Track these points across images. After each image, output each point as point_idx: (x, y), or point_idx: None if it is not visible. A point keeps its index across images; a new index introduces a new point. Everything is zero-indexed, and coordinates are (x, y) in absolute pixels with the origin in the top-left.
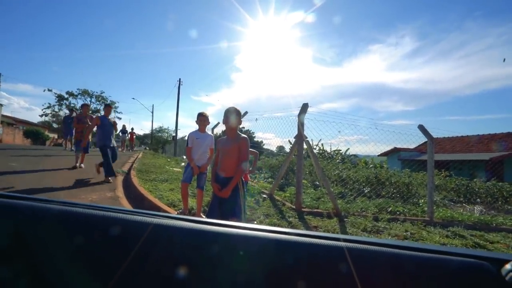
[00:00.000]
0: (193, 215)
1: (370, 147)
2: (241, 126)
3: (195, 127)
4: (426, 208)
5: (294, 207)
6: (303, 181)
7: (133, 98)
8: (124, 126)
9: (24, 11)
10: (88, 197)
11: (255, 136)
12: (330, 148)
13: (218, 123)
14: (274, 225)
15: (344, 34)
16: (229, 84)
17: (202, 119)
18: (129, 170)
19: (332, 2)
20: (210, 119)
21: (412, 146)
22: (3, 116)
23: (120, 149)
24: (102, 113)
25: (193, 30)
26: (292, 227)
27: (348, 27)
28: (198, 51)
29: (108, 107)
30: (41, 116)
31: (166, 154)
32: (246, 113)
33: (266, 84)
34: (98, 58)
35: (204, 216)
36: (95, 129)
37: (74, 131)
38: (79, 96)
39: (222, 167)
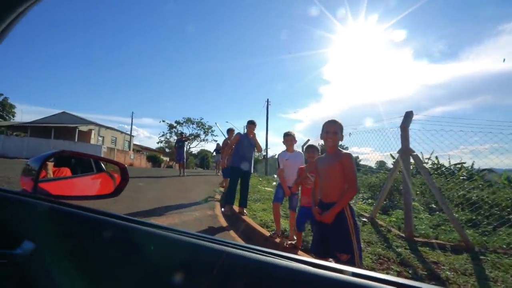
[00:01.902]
0: (286, 237)
1: None
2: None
3: (284, 146)
4: None
5: (403, 235)
6: (413, 203)
7: (227, 122)
8: (218, 145)
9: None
10: (193, 214)
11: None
12: (449, 162)
13: (308, 140)
14: (379, 255)
15: (457, 20)
16: (317, 98)
17: (288, 139)
18: (226, 189)
19: None
20: (300, 136)
21: None
22: (134, 144)
23: (217, 172)
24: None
25: (277, 43)
26: (403, 259)
27: (462, 9)
28: (283, 65)
29: (250, 124)
30: (158, 143)
31: (257, 173)
32: None
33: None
34: (196, 87)
35: (295, 238)
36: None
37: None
38: (184, 124)
39: (323, 190)
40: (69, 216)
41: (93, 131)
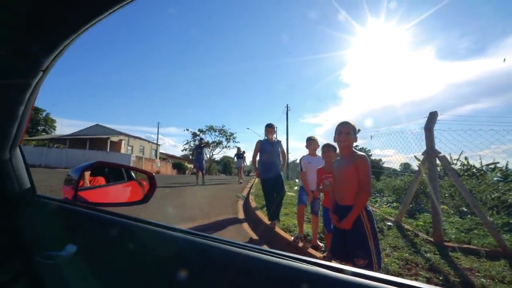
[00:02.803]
0: (309, 242)
1: None
2: (355, 144)
3: (305, 150)
4: None
5: (431, 239)
6: (442, 206)
7: (248, 128)
8: (238, 149)
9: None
10: (217, 219)
11: (371, 154)
12: (480, 162)
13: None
14: (406, 260)
15: (482, 14)
16: (336, 101)
17: (310, 143)
18: (248, 194)
19: None
20: (320, 140)
21: None
22: (160, 153)
23: (239, 179)
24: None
25: (294, 46)
26: (433, 265)
27: (485, 3)
28: (302, 69)
29: (268, 127)
30: (182, 151)
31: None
32: (358, 131)
33: (380, 96)
34: (217, 95)
35: (321, 244)
36: None
37: (203, 162)
38: (206, 132)
39: (339, 193)
40: (106, 222)
41: (123, 141)
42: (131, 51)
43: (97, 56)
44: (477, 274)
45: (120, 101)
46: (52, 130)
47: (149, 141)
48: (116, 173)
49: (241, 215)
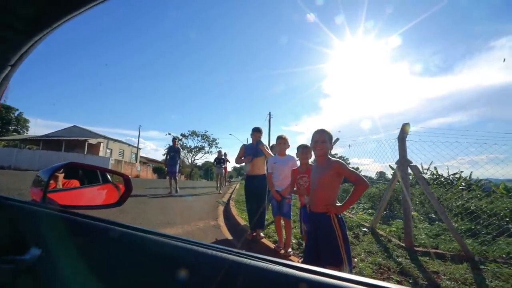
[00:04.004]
0: (291, 248)
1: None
2: (333, 153)
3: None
4: None
5: (403, 244)
6: (413, 213)
7: (230, 134)
8: (219, 153)
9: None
10: (197, 224)
11: (350, 163)
12: (448, 172)
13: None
14: (379, 265)
15: (451, 35)
16: (317, 111)
17: (280, 142)
18: (228, 200)
19: (429, 5)
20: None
21: None
22: (140, 157)
23: (219, 188)
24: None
25: (275, 56)
26: (403, 269)
27: (455, 26)
28: (283, 78)
29: (255, 132)
30: (164, 155)
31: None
32: (337, 140)
33: (359, 107)
34: (200, 100)
35: (289, 251)
36: None
37: (177, 167)
38: (189, 137)
39: (313, 200)
40: (74, 224)
41: (101, 144)
42: (113, 52)
43: (78, 56)
44: (443, 277)
45: (100, 103)
46: (25, 131)
47: (129, 145)
48: (91, 175)
49: (221, 221)
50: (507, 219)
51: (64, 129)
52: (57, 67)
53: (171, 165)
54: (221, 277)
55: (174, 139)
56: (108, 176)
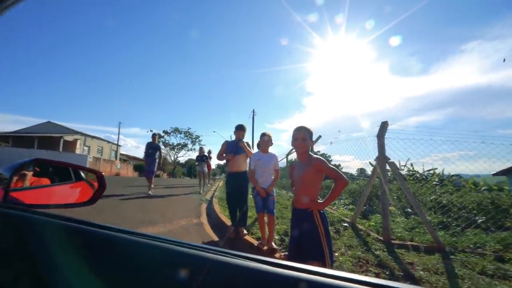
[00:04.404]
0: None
1: (480, 164)
2: (316, 150)
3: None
4: None
5: (381, 238)
6: (391, 207)
7: (214, 131)
8: (201, 150)
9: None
10: (179, 223)
11: (332, 160)
12: (423, 168)
13: (293, 149)
14: (359, 258)
15: (426, 38)
16: (301, 109)
17: (264, 139)
18: (212, 198)
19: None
20: (284, 144)
21: None
22: (120, 154)
23: (201, 187)
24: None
25: (259, 55)
26: (381, 261)
27: (430, 29)
28: (266, 76)
29: (238, 130)
30: (144, 152)
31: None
32: (319, 137)
33: (341, 105)
34: (183, 97)
35: (275, 247)
36: None
37: (155, 166)
38: (171, 134)
39: (295, 196)
40: (40, 224)
41: (78, 141)
42: (93, 45)
43: (52, 47)
44: (417, 267)
45: (78, 98)
46: None
47: (108, 142)
48: (64, 173)
49: (204, 219)
50: (475, 211)
51: (37, 125)
52: (29, 58)
53: (149, 163)
54: (200, 277)
55: (154, 135)
56: (82, 173)
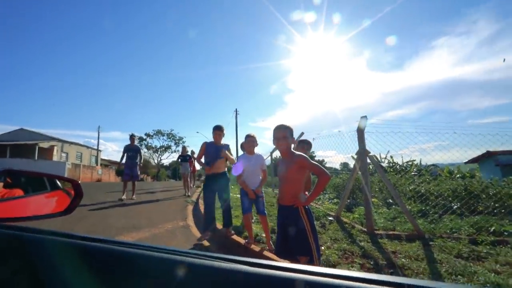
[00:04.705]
0: (261, 243)
1: (453, 153)
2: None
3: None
4: None
5: (365, 229)
6: (373, 199)
7: (197, 132)
8: (184, 149)
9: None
10: (165, 226)
11: (315, 156)
12: (402, 160)
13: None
14: (344, 250)
15: (399, 35)
16: (282, 106)
17: (249, 140)
18: (197, 199)
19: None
20: (268, 143)
21: None
22: (101, 159)
23: (186, 191)
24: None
25: (239, 52)
26: (365, 252)
27: (402, 26)
28: (248, 74)
29: (216, 130)
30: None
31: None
32: (302, 134)
33: (322, 101)
34: (164, 98)
35: (273, 246)
36: None
37: (137, 170)
38: (154, 136)
39: (280, 193)
40: (8, 238)
41: (55, 148)
42: (67, 45)
43: (23, 48)
44: (399, 255)
45: (52, 102)
46: None
47: (88, 147)
48: (38, 183)
49: (190, 221)
50: (450, 199)
51: (9, 132)
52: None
53: (130, 167)
54: (179, 282)
55: (132, 136)
56: (58, 182)
